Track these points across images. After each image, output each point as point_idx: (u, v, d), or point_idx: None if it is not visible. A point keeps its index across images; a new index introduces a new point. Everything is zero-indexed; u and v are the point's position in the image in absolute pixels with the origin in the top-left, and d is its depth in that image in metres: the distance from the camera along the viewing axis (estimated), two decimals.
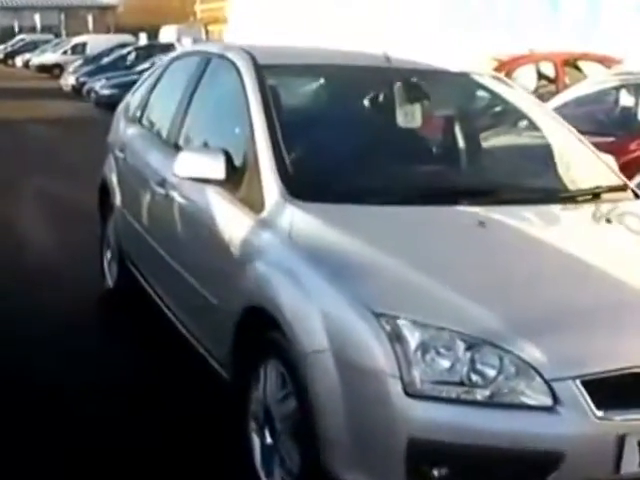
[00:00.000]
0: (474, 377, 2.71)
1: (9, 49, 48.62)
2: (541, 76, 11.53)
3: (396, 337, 2.74)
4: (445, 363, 2.72)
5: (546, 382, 2.67)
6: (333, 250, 3.20)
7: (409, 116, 4.31)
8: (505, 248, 3.36)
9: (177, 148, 4.42)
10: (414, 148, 4.32)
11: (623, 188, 4.10)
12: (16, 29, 57.19)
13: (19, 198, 9.38)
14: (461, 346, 2.72)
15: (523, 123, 4.80)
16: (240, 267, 3.50)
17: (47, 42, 43.93)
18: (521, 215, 3.67)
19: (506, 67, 10.71)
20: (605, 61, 11.46)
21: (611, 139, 6.91)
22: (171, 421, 4.11)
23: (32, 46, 44.74)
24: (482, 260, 3.21)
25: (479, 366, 2.71)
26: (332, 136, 4.01)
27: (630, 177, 4.61)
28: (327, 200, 3.49)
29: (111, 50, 30.03)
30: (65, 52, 37.56)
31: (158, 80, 5.58)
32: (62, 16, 59.76)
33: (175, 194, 4.34)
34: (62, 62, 34.77)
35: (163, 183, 4.50)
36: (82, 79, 26.39)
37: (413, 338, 2.73)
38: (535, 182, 4.09)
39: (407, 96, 4.31)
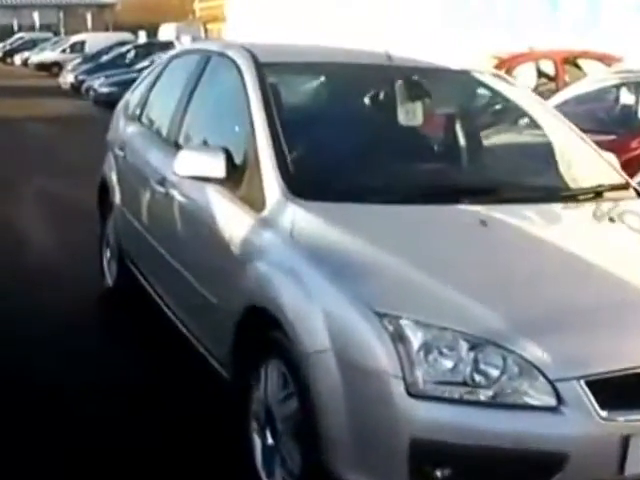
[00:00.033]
0: (477, 377, 2.69)
1: (8, 47, 48.55)
2: (541, 74, 11.51)
3: (399, 337, 2.72)
4: (448, 363, 2.70)
5: (550, 382, 2.66)
6: (335, 249, 3.18)
7: (410, 114, 4.29)
8: (507, 247, 3.34)
9: (177, 146, 4.41)
10: (416, 146, 4.30)
11: (625, 186, 4.08)
12: (15, 27, 57.15)
13: (18, 197, 9.36)
14: (464, 346, 2.70)
15: (524, 121, 4.79)
16: (241, 266, 3.48)
17: (46, 40, 43.87)
18: (523, 214, 3.65)
19: (506, 65, 10.68)
20: (605, 59, 11.43)
21: (612, 137, 6.89)
22: (171, 421, 4.09)
23: (31, 44, 44.70)
24: (484, 259, 3.19)
25: (482, 366, 2.69)
26: (333, 134, 3.99)
27: (632, 175, 4.59)
28: (328, 199, 3.47)
29: (110, 48, 30.00)
30: (64, 50, 37.51)
31: (158, 78, 5.56)
32: (61, 14, 59.72)
33: (175, 193, 4.32)
34: (61, 60, 34.73)
35: (163, 182, 4.48)
36: (81, 77, 26.36)
37: (416, 338, 2.71)
38: (537, 181, 4.06)
39: (408, 94, 4.29)
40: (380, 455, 2.75)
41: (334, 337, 2.87)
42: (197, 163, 3.79)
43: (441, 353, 2.71)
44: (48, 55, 38.92)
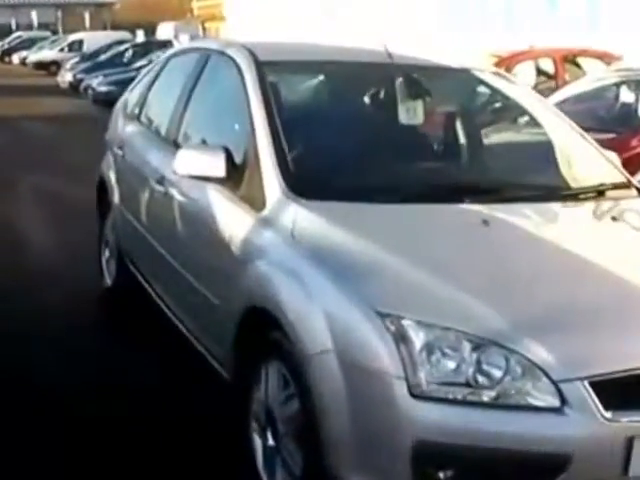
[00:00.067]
0: (480, 378, 2.67)
1: (6, 46, 48.52)
2: (540, 72, 11.50)
3: (401, 338, 2.70)
4: (451, 364, 2.68)
5: (553, 383, 2.63)
6: (336, 249, 3.15)
7: (411, 113, 4.26)
8: (510, 247, 3.32)
9: (176, 145, 4.38)
10: (417, 145, 4.28)
11: (627, 185, 4.06)
12: (13, 26, 57.11)
13: (16, 196, 9.35)
14: (467, 346, 2.68)
15: (525, 119, 4.77)
16: (241, 266, 3.46)
17: (44, 39, 43.82)
18: (525, 213, 3.63)
19: (505, 63, 10.67)
20: (604, 57, 11.43)
21: (612, 135, 6.88)
22: (171, 421, 4.07)
23: (29, 43, 44.65)
24: (487, 259, 3.17)
25: (485, 367, 2.67)
26: (334, 133, 3.97)
27: (632, 173, 4.57)
28: (329, 198, 3.44)
29: (108, 47, 30.00)
30: (62, 49, 37.49)
31: (157, 77, 5.54)
32: (59, 13, 59.68)
33: (174, 192, 4.30)
34: (59, 59, 34.67)
35: (162, 181, 4.45)
36: (79, 76, 26.33)
37: (418, 338, 2.69)
38: (539, 180, 4.04)
39: (409, 92, 4.26)
40: (383, 457, 2.73)
41: (336, 338, 2.85)
42: (197, 162, 3.76)
43: (444, 354, 2.68)
44: (46, 54, 38.89)
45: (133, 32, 34.11)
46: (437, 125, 4.62)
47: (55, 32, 51.11)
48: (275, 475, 3.24)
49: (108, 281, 5.80)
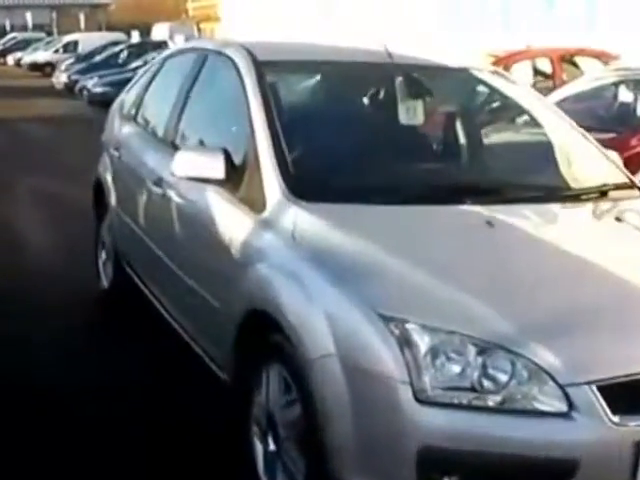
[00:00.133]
0: (485, 382, 2.63)
1: (0, 47, 48.44)
2: (537, 72, 11.48)
3: (405, 342, 2.66)
4: (456, 368, 2.64)
5: (560, 387, 2.59)
6: (337, 251, 3.11)
7: (411, 113, 4.22)
8: (514, 249, 3.27)
9: (174, 147, 4.34)
10: (417, 146, 4.24)
11: (630, 186, 4.02)
12: (7, 27, 57.01)
13: (12, 197, 9.32)
14: (472, 350, 2.64)
15: (526, 119, 4.73)
16: (241, 269, 3.42)
17: (39, 40, 43.79)
18: (529, 214, 3.60)
19: (502, 63, 10.65)
20: (602, 57, 11.41)
21: (612, 135, 6.85)
22: (170, 425, 4.04)
23: (24, 44, 44.58)
24: (491, 261, 3.13)
25: (491, 371, 2.63)
26: (334, 134, 3.93)
27: (633, 173, 4.55)
28: (330, 200, 3.40)
29: (103, 48, 29.97)
30: (57, 50, 37.43)
31: (154, 77, 5.50)
32: (54, 14, 59.55)
33: (172, 194, 4.26)
34: (54, 60, 34.63)
35: (160, 182, 4.41)
36: (74, 77, 26.29)
37: (423, 342, 2.65)
38: (541, 180, 4.00)
39: (409, 92, 4.22)
40: (387, 463, 2.69)
41: (338, 341, 2.80)
42: (195, 164, 3.71)
43: (449, 358, 2.64)
44: (41, 55, 38.84)
45: (128, 33, 34.09)
46: (437, 125, 4.58)
47: (50, 33, 51.04)
48: None
49: (105, 283, 5.76)
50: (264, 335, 3.18)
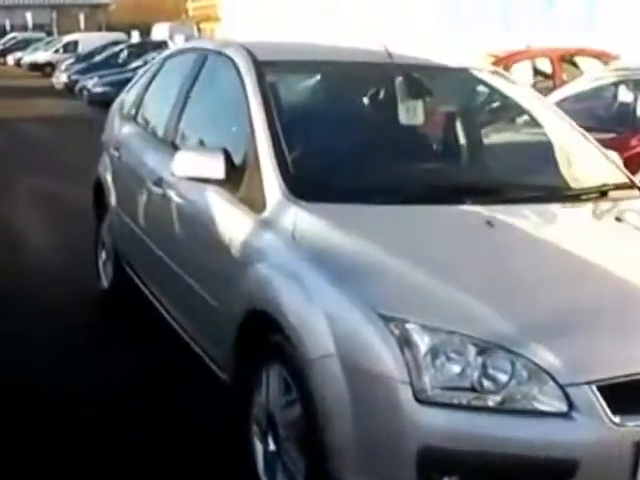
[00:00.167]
0: (485, 382, 2.62)
1: (0, 47, 48.45)
2: (537, 72, 11.48)
3: (405, 341, 2.66)
4: (456, 368, 2.64)
5: (560, 387, 2.59)
6: (338, 251, 3.11)
7: (411, 113, 4.22)
8: (514, 249, 3.27)
9: (174, 147, 4.34)
10: (418, 146, 4.24)
11: (630, 186, 4.02)
12: (7, 27, 57.01)
13: (13, 197, 9.32)
14: (472, 350, 2.64)
15: (528, 120, 4.73)
16: (241, 269, 3.42)
17: (39, 40, 43.79)
18: (530, 214, 3.60)
19: (502, 63, 10.64)
20: (602, 57, 11.41)
21: (612, 135, 6.84)
22: (170, 425, 4.04)
23: (24, 44, 44.58)
24: (491, 261, 3.13)
25: (491, 371, 2.63)
26: (334, 134, 3.93)
27: (632, 173, 4.55)
28: (330, 200, 3.40)
29: (103, 48, 29.97)
30: (57, 50, 37.43)
31: (154, 77, 5.49)
32: (54, 14, 59.54)
33: (172, 194, 4.26)
34: (54, 60, 34.63)
35: (160, 182, 4.41)
36: (74, 77, 26.30)
37: (423, 342, 2.65)
38: (541, 180, 4.00)
39: (409, 92, 4.22)
40: (387, 463, 2.69)
41: (338, 341, 2.80)
42: (195, 164, 3.71)
43: (449, 358, 2.64)
44: (41, 55, 38.84)
45: (128, 33, 34.08)
46: (437, 125, 4.58)
47: (50, 33, 51.05)
48: None
49: (105, 283, 5.76)
50: (264, 335, 3.18)
